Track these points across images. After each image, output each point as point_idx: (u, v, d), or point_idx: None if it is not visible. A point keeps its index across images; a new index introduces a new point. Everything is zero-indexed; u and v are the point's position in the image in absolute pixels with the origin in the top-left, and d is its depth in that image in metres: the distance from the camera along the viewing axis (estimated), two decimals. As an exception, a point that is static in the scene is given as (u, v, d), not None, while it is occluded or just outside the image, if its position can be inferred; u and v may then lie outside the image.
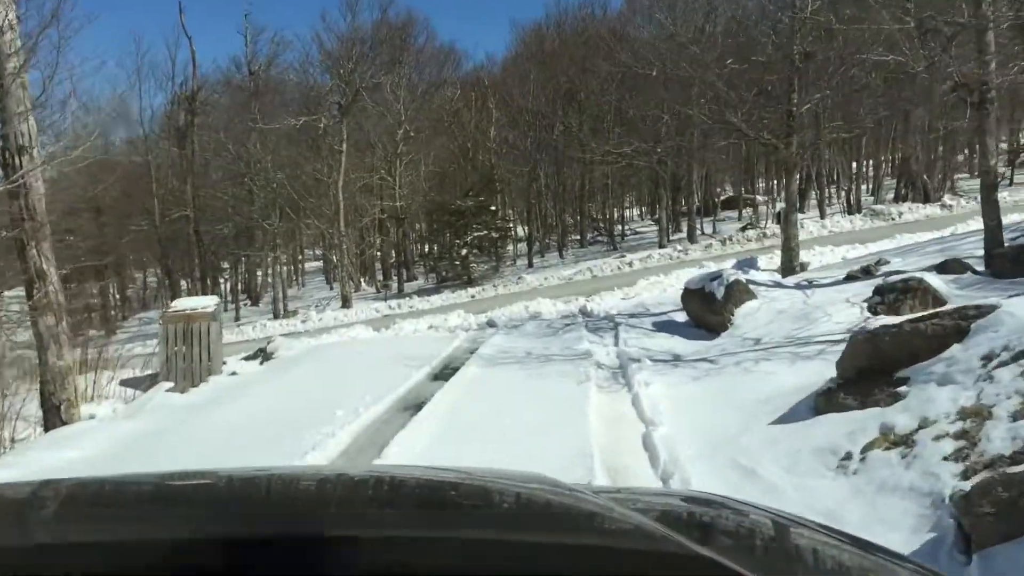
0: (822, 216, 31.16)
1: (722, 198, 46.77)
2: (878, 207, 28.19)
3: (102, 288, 39.61)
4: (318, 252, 49.00)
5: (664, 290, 19.75)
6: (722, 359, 10.87)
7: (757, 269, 20.12)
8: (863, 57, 12.97)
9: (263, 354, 16.41)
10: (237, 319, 35.59)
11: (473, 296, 27.84)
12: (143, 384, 14.59)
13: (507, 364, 12.23)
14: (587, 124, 34.02)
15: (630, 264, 27.36)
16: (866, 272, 13.83)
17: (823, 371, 7.59)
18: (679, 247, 28.20)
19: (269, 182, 31.25)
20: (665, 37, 30.57)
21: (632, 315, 16.88)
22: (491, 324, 18.41)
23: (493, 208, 32.28)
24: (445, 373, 12.15)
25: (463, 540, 1.04)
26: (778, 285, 14.14)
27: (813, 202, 37.19)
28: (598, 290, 22.03)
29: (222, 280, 43.64)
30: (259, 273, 41.71)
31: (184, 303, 16.45)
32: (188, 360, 15.03)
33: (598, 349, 13.02)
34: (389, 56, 34.84)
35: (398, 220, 34.82)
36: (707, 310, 13.74)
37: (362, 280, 39.34)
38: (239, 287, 45.39)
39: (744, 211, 43.89)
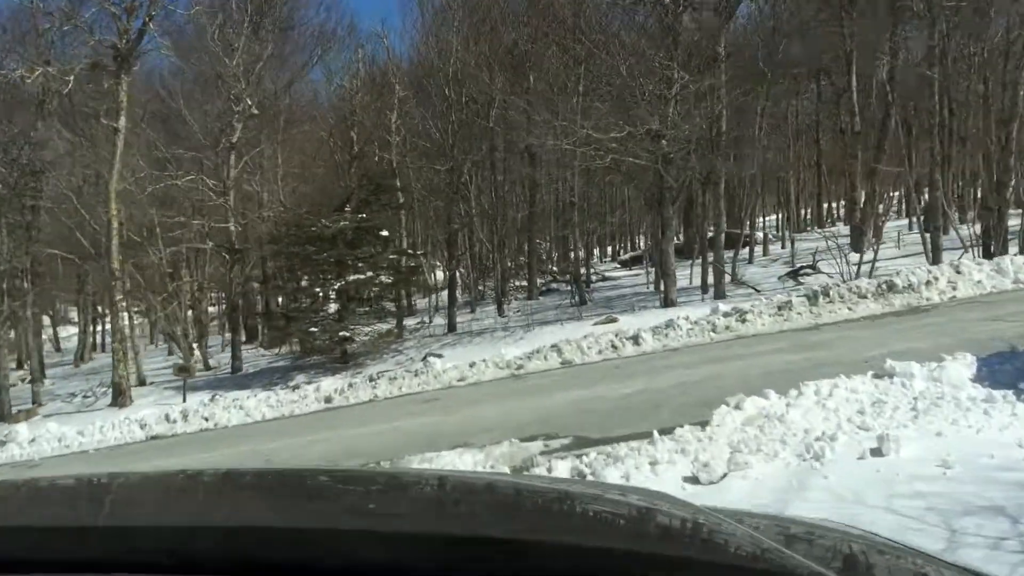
0: (934, 258, 18.46)
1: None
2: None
3: None
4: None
5: (817, 464, 6.46)
6: None
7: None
8: None
9: None
10: None
11: (328, 401, 14.20)
12: None
13: None
14: (542, 97, 20.88)
15: (635, 340, 14.12)
16: None
17: None
18: (722, 308, 15.09)
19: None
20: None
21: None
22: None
23: (384, 233, 18.79)
24: None
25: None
26: None
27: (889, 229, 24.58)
28: (594, 423, 8.82)
29: None
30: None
31: None
32: None
33: None
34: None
35: (231, 253, 21.00)
36: None
37: (201, 346, 25.26)
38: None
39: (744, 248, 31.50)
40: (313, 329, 17.56)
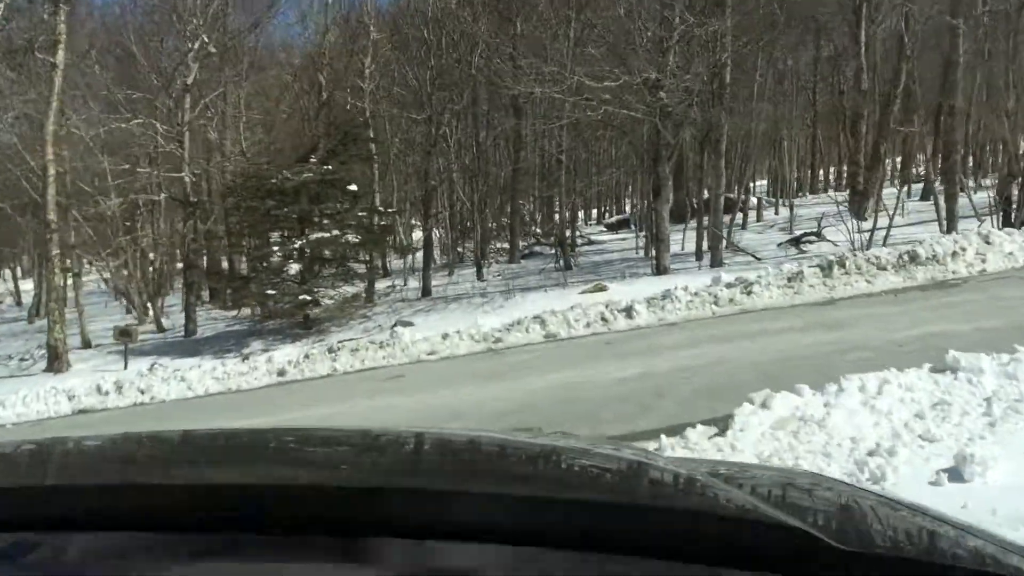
0: (949, 226, 17.01)
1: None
2: None
3: None
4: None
5: (878, 489, 4.96)
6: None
7: None
8: None
9: None
10: None
11: (281, 375, 12.61)
12: None
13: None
14: (529, 42, 19.06)
15: (628, 313, 12.60)
16: None
17: None
18: (724, 278, 13.57)
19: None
20: None
21: None
22: None
23: (353, 188, 17.06)
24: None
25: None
26: None
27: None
28: (583, 415, 7.31)
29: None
30: None
31: None
32: None
33: None
34: None
35: (185, 205, 19.18)
36: None
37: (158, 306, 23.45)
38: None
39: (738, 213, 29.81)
40: (271, 291, 15.90)
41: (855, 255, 13.13)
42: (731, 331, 10.48)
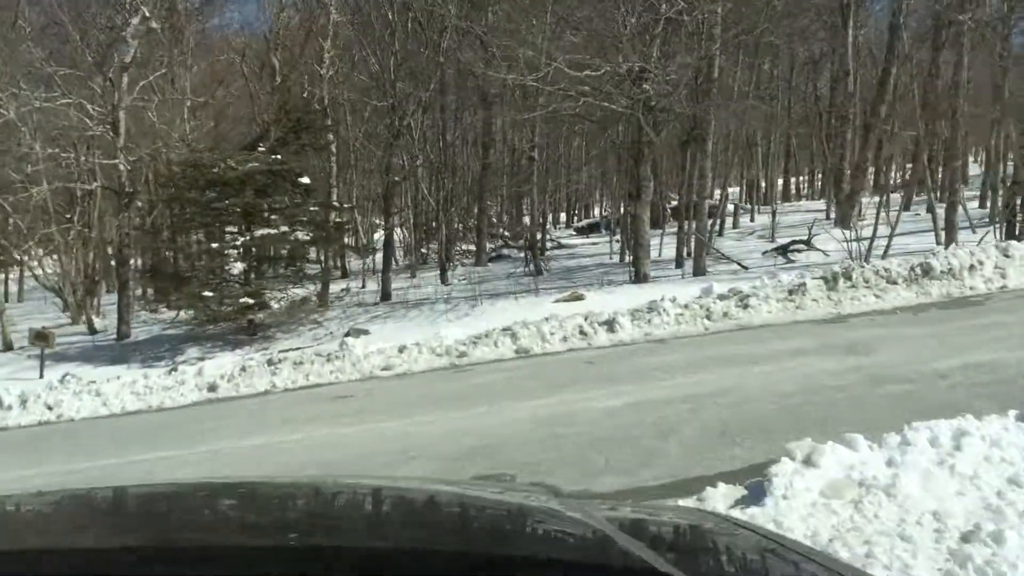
0: (948, 237, 15.85)
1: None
2: None
3: None
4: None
5: None
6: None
7: None
8: None
9: None
10: None
11: (212, 390, 10.88)
12: None
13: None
14: (502, 30, 17.53)
15: (609, 326, 11.14)
16: None
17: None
18: (716, 289, 12.20)
19: None
20: None
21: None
22: None
23: (305, 180, 15.41)
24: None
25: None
26: None
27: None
28: (568, 461, 5.82)
29: None
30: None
31: None
32: None
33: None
34: None
35: (120, 195, 17.36)
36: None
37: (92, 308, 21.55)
38: None
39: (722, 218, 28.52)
40: (208, 293, 14.18)
41: (862, 267, 11.82)
42: (733, 352, 9.06)
